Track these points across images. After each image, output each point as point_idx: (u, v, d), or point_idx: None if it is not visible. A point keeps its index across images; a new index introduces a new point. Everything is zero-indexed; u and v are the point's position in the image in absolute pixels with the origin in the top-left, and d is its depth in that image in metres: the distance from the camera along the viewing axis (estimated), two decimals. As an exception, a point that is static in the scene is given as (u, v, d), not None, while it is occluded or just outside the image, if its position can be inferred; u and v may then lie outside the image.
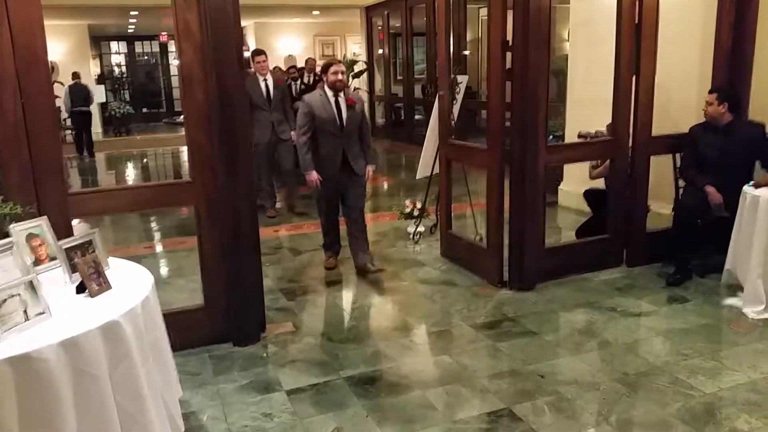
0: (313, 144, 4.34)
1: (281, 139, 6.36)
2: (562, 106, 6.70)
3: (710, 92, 4.28)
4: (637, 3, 4.20)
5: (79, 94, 12.26)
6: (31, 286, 1.99)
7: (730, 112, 4.19)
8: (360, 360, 3.33)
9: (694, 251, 4.29)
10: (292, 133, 6.29)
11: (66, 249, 2.34)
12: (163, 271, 5.17)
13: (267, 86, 6.25)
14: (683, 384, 2.97)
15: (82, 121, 12.45)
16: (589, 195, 5.05)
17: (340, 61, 4.45)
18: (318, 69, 9.95)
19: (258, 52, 6.41)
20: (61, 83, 12.52)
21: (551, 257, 4.33)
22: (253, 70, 6.65)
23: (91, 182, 10.22)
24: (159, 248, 5.94)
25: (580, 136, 4.99)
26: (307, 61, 10.32)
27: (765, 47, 4.40)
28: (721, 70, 4.51)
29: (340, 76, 4.29)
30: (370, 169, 4.55)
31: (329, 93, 4.31)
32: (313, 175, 4.33)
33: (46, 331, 1.94)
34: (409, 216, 5.60)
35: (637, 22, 4.23)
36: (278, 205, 6.77)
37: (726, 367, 3.13)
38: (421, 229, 5.53)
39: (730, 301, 3.90)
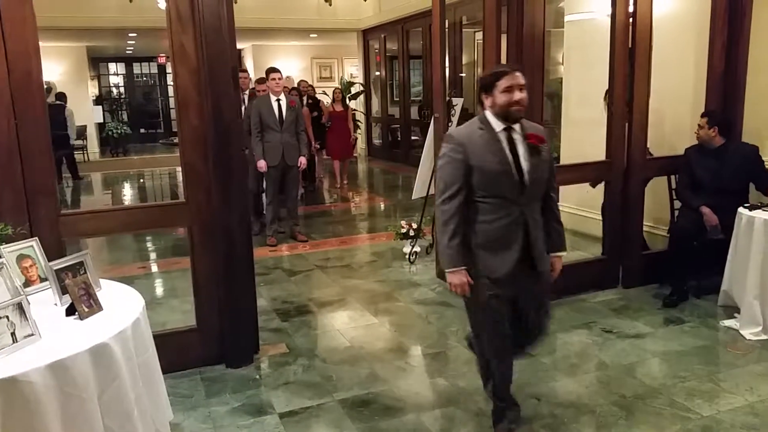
0: (467, 216, 2.51)
1: (288, 164, 6.08)
2: (557, 128, 6.74)
3: (702, 116, 4.32)
4: (630, 27, 4.25)
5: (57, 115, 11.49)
6: (20, 308, 1.97)
7: (721, 135, 4.22)
8: (354, 382, 3.30)
9: (690, 272, 4.28)
10: (302, 158, 6.18)
11: (56, 270, 2.33)
12: (157, 291, 5.14)
13: (280, 106, 5.97)
14: (681, 407, 2.95)
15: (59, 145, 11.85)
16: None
17: (516, 69, 2.52)
18: (311, 91, 9.96)
19: (273, 70, 6.12)
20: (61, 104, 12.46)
21: (547, 278, 4.31)
22: (265, 88, 6.61)
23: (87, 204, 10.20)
24: (153, 268, 5.90)
25: None
26: (299, 84, 10.27)
27: (757, 71, 4.44)
28: (714, 93, 4.55)
29: (518, 96, 2.45)
30: (557, 260, 2.69)
31: (496, 125, 2.50)
32: (461, 275, 2.49)
33: (34, 353, 1.91)
34: (405, 236, 5.59)
35: (630, 45, 4.27)
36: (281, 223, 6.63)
37: (723, 389, 3.10)
38: (417, 249, 5.52)
39: (727, 322, 3.88)
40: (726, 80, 4.51)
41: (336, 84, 13.82)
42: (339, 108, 9.61)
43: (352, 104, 13.17)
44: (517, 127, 2.52)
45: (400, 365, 3.52)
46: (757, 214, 3.75)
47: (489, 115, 2.52)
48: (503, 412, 2.75)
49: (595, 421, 2.85)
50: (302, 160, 6.22)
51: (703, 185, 4.26)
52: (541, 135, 2.57)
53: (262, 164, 5.94)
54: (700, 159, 4.31)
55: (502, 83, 2.46)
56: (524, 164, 2.49)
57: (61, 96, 12.06)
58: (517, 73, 2.49)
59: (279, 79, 6.02)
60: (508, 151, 2.49)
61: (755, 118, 4.49)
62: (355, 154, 12.88)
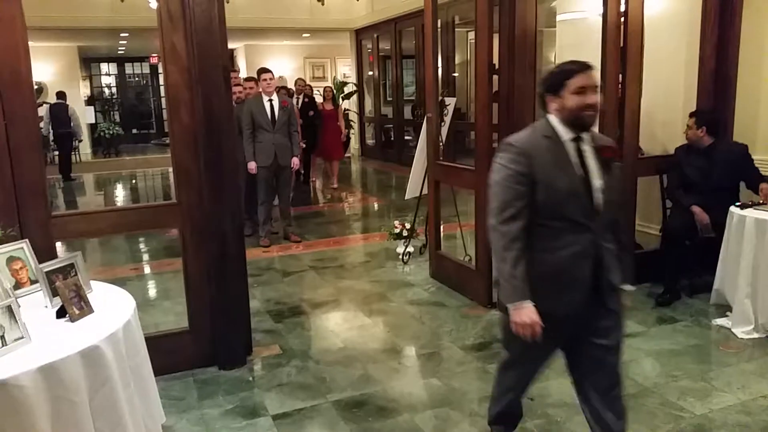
0: (528, 241, 2.09)
1: (281, 165, 6.06)
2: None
3: (690, 116, 4.34)
4: (622, 26, 4.26)
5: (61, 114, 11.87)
6: (10, 311, 1.95)
7: (709, 135, 4.24)
8: (347, 383, 3.29)
9: (682, 271, 4.29)
10: (294, 159, 6.18)
11: (47, 272, 2.31)
12: (149, 293, 5.12)
13: (272, 106, 5.95)
14: (673, 406, 2.95)
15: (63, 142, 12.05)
16: None
17: (589, 67, 2.10)
18: (308, 90, 9.92)
19: (264, 70, 6.11)
20: (50, 104, 12.49)
21: (540, 278, 4.31)
22: (252, 86, 6.60)
23: (79, 204, 10.15)
24: (146, 270, 5.88)
25: None
26: (296, 82, 10.25)
27: (748, 70, 4.47)
28: (705, 93, 4.57)
29: (591, 99, 2.07)
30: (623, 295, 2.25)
31: (564, 134, 2.11)
32: (528, 312, 2.06)
33: (24, 356, 1.90)
34: (399, 236, 5.59)
35: (622, 45, 4.28)
36: (274, 223, 6.62)
37: (716, 388, 3.12)
38: (410, 249, 5.51)
39: (719, 321, 3.90)
40: (717, 79, 4.54)
41: (329, 83, 13.80)
42: (329, 107, 9.55)
43: (345, 104, 13.16)
44: (586, 136, 2.12)
45: (393, 366, 3.51)
46: (749, 212, 3.77)
47: (554, 121, 2.12)
48: (501, 422, 2.52)
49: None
50: (295, 161, 6.20)
51: (694, 184, 4.28)
52: (615, 147, 2.19)
53: (252, 166, 5.92)
54: (689, 158, 4.33)
55: (574, 83, 2.06)
56: (596, 182, 2.09)
57: (62, 95, 12.17)
58: (591, 72, 2.09)
59: (270, 79, 6.00)
60: (578, 166, 2.09)
61: (746, 117, 4.51)
62: (348, 154, 12.87)
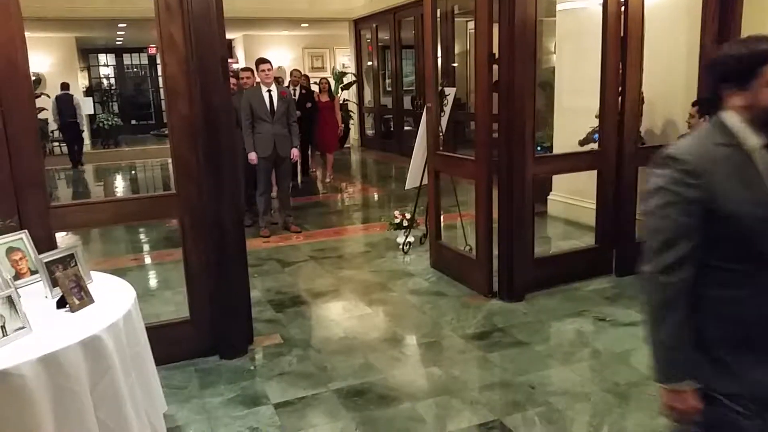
0: (701, 291, 1.50)
1: (280, 156, 6.02)
2: (550, 118, 6.74)
3: (692, 105, 4.33)
4: (622, 16, 4.24)
5: (67, 104, 12.18)
6: (10, 301, 1.95)
7: None
8: (349, 372, 3.30)
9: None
10: (294, 150, 6.16)
11: (47, 263, 2.31)
12: (150, 283, 5.12)
13: (271, 97, 5.91)
14: (673, 394, 2.96)
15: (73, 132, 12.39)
16: None
17: None
18: (304, 81, 9.83)
19: (262, 61, 6.05)
20: (47, 95, 12.50)
21: (541, 267, 4.33)
22: (249, 75, 6.58)
23: (81, 193, 10.15)
24: (147, 260, 5.88)
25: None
26: (292, 73, 10.12)
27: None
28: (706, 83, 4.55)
29: None
30: None
31: (751, 139, 1.48)
32: (689, 398, 1.51)
33: (25, 346, 1.90)
34: (399, 227, 5.59)
35: (622, 35, 4.26)
36: (274, 213, 6.62)
37: (715, 376, 3.12)
38: (410, 239, 5.51)
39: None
40: (718, 68, 4.51)
41: (328, 74, 13.73)
42: (324, 99, 9.48)
43: (344, 94, 13.11)
44: None
45: (394, 355, 3.52)
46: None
47: (734, 120, 1.50)
48: None
49: (589, 409, 2.87)
50: (294, 152, 6.17)
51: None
52: None
53: (252, 156, 5.90)
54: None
55: None
56: None
57: (66, 86, 12.48)
58: None
59: (269, 70, 5.96)
60: None
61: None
62: (347, 145, 12.83)
